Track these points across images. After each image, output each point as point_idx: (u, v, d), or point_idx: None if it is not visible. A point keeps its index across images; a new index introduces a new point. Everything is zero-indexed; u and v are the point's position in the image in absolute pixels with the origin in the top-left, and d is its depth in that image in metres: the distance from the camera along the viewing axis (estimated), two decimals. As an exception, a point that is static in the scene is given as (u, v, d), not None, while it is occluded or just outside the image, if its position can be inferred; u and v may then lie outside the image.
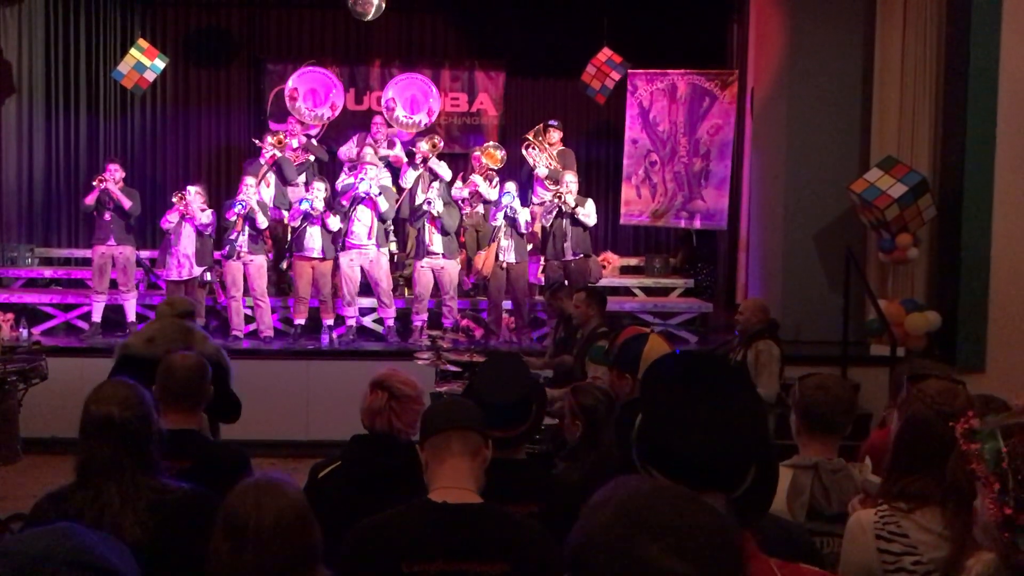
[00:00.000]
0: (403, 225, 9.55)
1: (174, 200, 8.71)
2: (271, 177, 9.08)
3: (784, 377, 5.98)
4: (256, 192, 8.65)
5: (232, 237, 8.52)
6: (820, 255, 8.74)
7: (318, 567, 1.96)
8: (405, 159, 9.69)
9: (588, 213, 8.64)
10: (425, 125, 10.64)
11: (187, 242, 8.61)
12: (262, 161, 9.15)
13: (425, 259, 8.64)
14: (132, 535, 2.31)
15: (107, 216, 8.79)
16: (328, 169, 10.36)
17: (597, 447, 3.24)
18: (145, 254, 9.75)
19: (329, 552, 2.44)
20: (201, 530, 2.17)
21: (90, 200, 8.80)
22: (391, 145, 9.75)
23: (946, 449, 2.11)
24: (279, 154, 9.18)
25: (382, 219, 8.72)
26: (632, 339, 3.24)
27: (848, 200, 8.25)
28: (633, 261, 11.19)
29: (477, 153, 9.77)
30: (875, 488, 2.56)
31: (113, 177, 8.80)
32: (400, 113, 10.49)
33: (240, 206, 8.48)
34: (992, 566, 1.73)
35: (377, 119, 9.95)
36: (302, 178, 9.56)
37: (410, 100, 10.71)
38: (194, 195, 8.67)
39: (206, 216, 8.68)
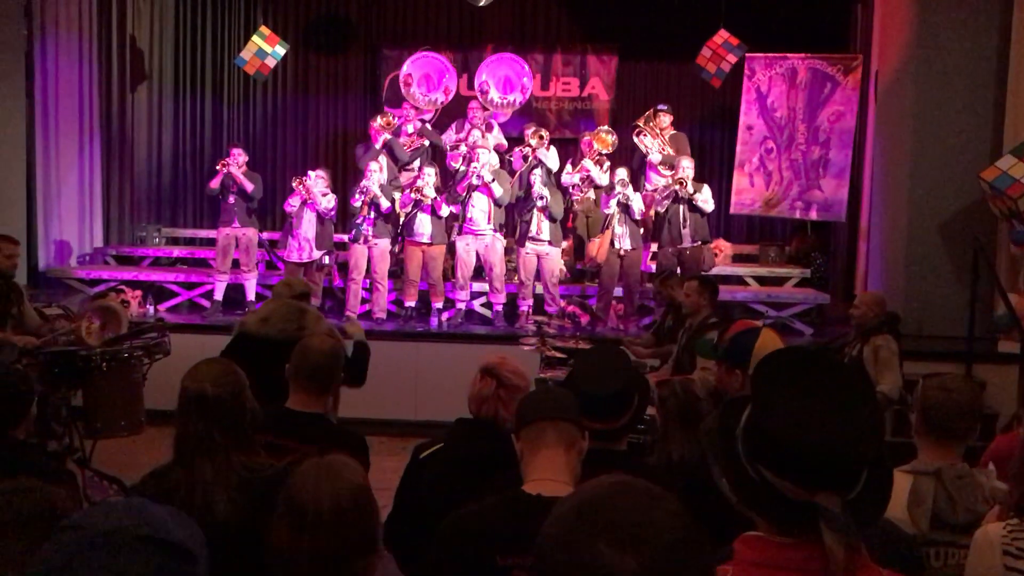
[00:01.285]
0: (511, 213, 9.57)
1: (294, 185, 8.95)
2: (384, 160, 9.20)
3: (904, 373, 5.74)
4: (378, 177, 8.78)
5: (358, 222, 8.69)
6: (946, 246, 8.34)
7: (376, 553, 1.94)
8: (504, 142, 9.68)
9: (706, 199, 8.48)
10: (520, 104, 10.62)
11: (308, 226, 8.84)
12: (376, 146, 9.29)
13: (529, 244, 8.64)
14: (223, 512, 2.36)
15: (231, 199, 9.11)
16: (441, 154, 10.47)
17: (666, 444, 3.19)
18: (265, 235, 10.07)
19: (426, 532, 2.45)
20: None
21: (215, 184, 9.13)
22: (488, 128, 9.74)
23: None
24: (389, 136, 9.31)
25: (498, 204, 8.74)
26: (743, 333, 3.15)
27: (977, 189, 7.84)
28: (746, 249, 10.93)
29: (587, 138, 9.69)
30: (1004, 496, 2.42)
31: (236, 161, 9.10)
32: (494, 94, 10.50)
33: (362, 193, 8.65)
34: None
35: (473, 104, 9.96)
36: (416, 163, 9.68)
37: (503, 80, 10.72)
38: (315, 179, 8.88)
39: (327, 201, 8.88)
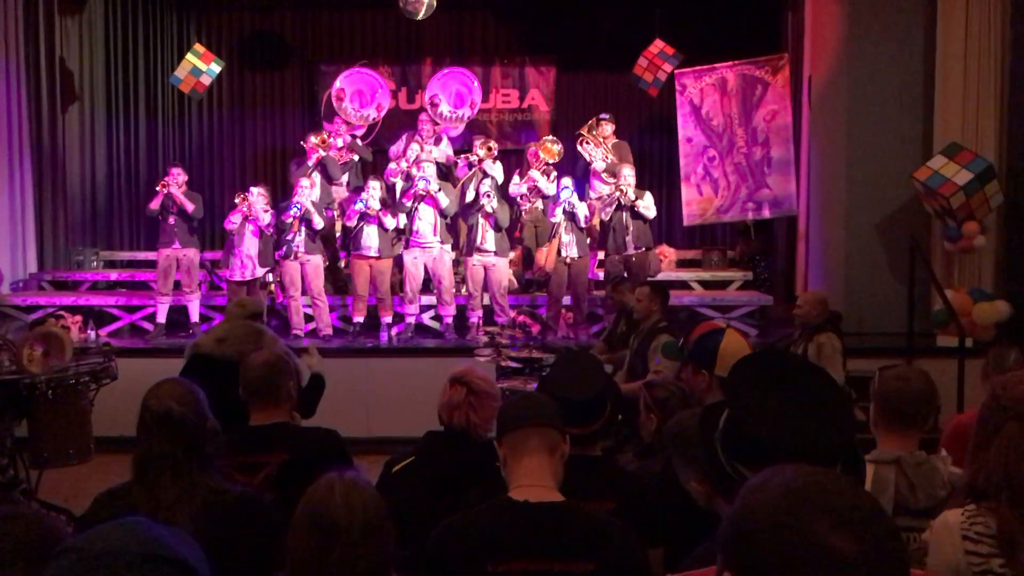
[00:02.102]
0: (455, 222, 9.58)
1: (237, 201, 8.84)
2: (317, 177, 9.14)
3: (847, 370, 5.88)
4: (310, 193, 8.73)
5: (289, 238, 8.63)
6: (883, 245, 8.57)
7: (392, 572, 1.95)
8: (452, 155, 9.71)
9: (648, 206, 8.58)
10: (469, 118, 10.67)
11: (250, 243, 8.73)
12: (309, 163, 9.22)
13: (476, 256, 8.65)
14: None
15: (171, 220, 8.96)
16: (372, 169, 10.40)
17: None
18: (207, 255, 9.91)
19: (406, 546, 2.44)
20: (252, 534, 2.17)
21: (155, 205, 8.97)
22: (437, 141, 9.79)
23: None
24: (324, 153, 9.26)
25: (444, 215, 8.74)
26: (708, 334, 3.20)
27: (911, 189, 8.09)
28: (690, 254, 11.10)
29: (534, 148, 9.75)
30: (961, 481, 2.50)
31: (176, 181, 8.96)
32: (444, 108, 10.54)
33: (296, 208, 8.58)
34: None
35: (423, 116, 10.00)
36: (345, 178, 9.65)
37: (454, 94, 10.76)
38: (257, 196, 8.78)
39: (269, 216, 8.80)
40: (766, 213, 9.82)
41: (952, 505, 2.45)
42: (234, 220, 8.75)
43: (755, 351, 2.39)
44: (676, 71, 9.97)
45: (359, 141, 10.19)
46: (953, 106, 8.16)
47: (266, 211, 8.78)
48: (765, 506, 1.07)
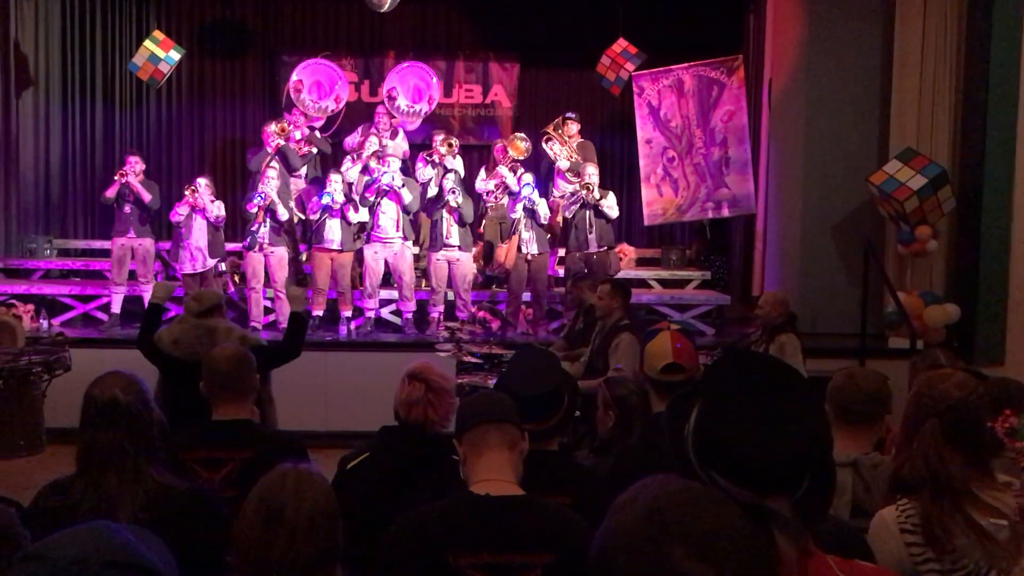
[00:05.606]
0: (417, 217, 9.56)
1: (185, 193, 8.71)
2: (277, 166, 9.04)
3: (805, 370, 5.96)
4: (276, 184, 8.64)
5: (253, 229, 8.52)
6: (838, 247, 8.71)
7: (337, 566, 1.96)
8: (407, 148, 9.68)
9: (611, 205, 8.63)
10: (426, 114, 10.63)
11: (199, 234, 8.61)
12: (268, 150, 9.13)
13: (441, 251, 8.64)
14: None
15: (127, 208, 8.82)
16: (331, 161, 10.35)
17: (627, 439, 3.25)
18: (163, 246, 9.77)
19: (363, 541, 2.44)
20: (198, 531, 2.16)
21: (111, 193, 8.83)
22: (394, 135, 9.75)
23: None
24: (282, 143, 9.18)
25: (406, 211, 8.71)
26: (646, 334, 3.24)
27: (866, 192, 8.23)
28: (649, 253, 11.19)
29: (502, 144, 9.76)
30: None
31: (133, 169, 8.82)
32: (402, 102, 10.49)
33: (260, 198, 8.49)
34: None
35: (380, 109, 9.97)
36: (304, 170, 9.58)
37: (412, 89, 10.71)
38: (204, 187, 8.67)
39: (217, 207, 8.68)
40: (725, 212, 9.91)
41: (886, 503, 2.50)
42: (180, 211, 8.62)
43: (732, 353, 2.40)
44: (633, 74, 10.01)
45: (318, 133, 10.11)
46: (909, 112, 8.32)
47: (212, 201, 8.67)
48: (625, 528, 1.07)
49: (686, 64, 9.83)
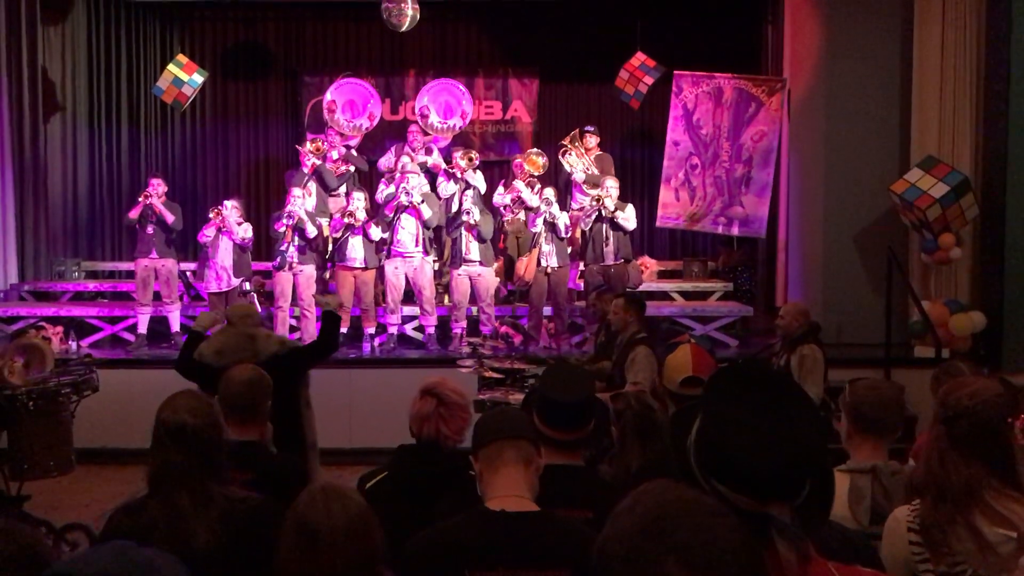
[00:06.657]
0: (440, 234, 9.63)
1: (211, 215, 8.84)
2: (312, 186, 9.18)
3: (828, 381, 5.93)
4: (303, 203, 8.74)
5: (282, 248, 8.61)
6: (861, 257, 8.67)
7: (381, 567, 2.02)
8: (444, 165, 9.74)
9: (628, 217, 8.63)
10: (460, 128, 10.71)
11: (224, 255, 8.74)
12: (304, 171, 9.26)
13: (462, 267, 8.68)
14: (204, 543, 2.36)
15: (149, 230, 8.93)
16: (367, 179, 10.45)
17: (622, 454, 3.27)
18: (186, 266, 9.89)
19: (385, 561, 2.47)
20: (269, 540, 2.21)
21: (134, 214, 8.96)
22: (428, 152, 9.83)
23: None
24: (319, 162, 9.29)
25: (426, 226, 8.77)
26: (667, 347, 3.28)
27: (888, 201, 8.19)
28: (671, 265, 11.17)
29: (519, 160, 9.82)
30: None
31: (156, 191, 8.95)
32: (434, 119, 10.57)
33: (288, 217, 8.58)
34: None
35: (413, 128, 10.03)
36: (343, 188, 9.67)
37: (443, 106, 10.80)
38: (231, 209, 8.79)
39: (243, 230, 8.80)
40: (735, 231, 9.84)
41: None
42: (208, 233, 8.77)
43: (736, 362, 2.42)
44: (675, 73, 9.92)
45: (354, 152, 10.19)
46: (929, 120, 8.28)
47: (240, 223, 8.79)
48: (622, 536, 1.09)
49: (729, 75, 9.76)
